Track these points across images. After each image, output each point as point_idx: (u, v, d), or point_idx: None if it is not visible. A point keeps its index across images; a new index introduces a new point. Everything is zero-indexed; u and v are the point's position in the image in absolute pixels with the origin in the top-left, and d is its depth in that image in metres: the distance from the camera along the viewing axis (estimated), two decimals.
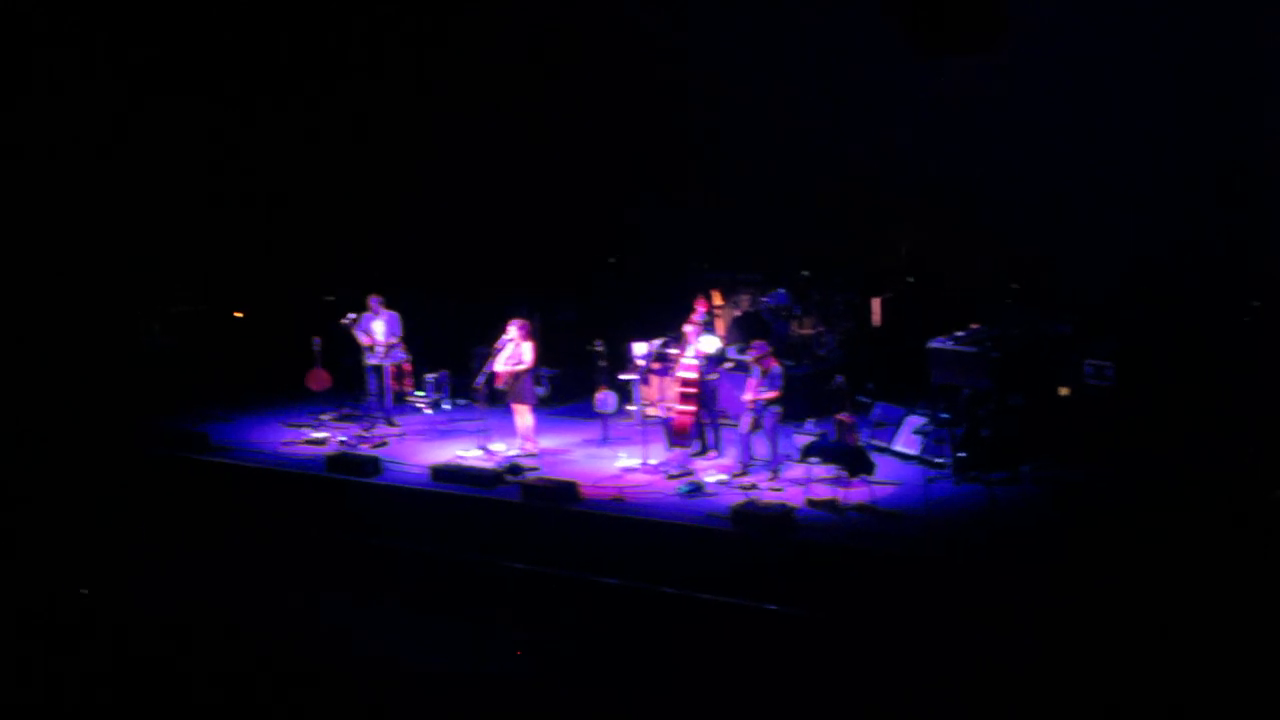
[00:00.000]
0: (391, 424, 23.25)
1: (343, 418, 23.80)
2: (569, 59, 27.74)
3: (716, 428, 21.23)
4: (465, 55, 28.22)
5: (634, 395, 22.88)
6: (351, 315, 23.08)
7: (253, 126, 28.28)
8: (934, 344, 20.83)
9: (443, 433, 23.23)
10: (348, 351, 23.52)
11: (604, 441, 22.16)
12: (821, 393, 20.98)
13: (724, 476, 19.85)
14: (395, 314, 23.28)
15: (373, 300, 23.23)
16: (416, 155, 28.57)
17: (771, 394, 19.54)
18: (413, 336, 24.14)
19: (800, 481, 19.17)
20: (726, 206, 26.59)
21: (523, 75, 28.07)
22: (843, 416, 19.36)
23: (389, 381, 23.47)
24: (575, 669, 16.65)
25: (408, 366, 24.16)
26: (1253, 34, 21.71)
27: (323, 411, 24.01)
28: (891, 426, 20.73)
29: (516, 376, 21.37)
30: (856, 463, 18.66)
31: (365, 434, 22.82)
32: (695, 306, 21.45)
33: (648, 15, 26.51)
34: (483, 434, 21.89)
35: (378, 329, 23.12)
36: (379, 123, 28.55)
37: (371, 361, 23.32)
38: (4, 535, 21.48)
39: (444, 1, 28.16)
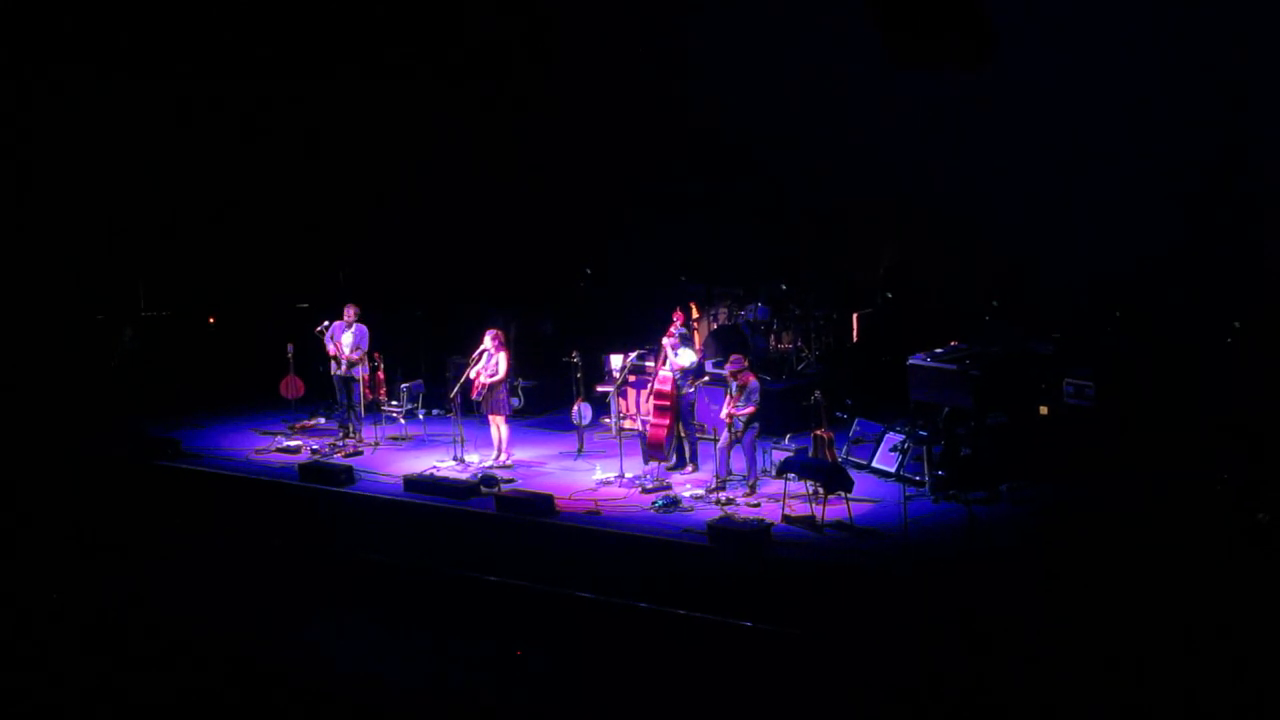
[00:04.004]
0: (350, 435, 22.98)
1: (301, 429, 23.67)
2: (549, 71, 27.65)
3: (693, 441, 21.08)
4: (444, 64, 28.06)
5: (610, 408, 22.72)
6: (326, 323, 22.82)
7: (230, 133, 28.04)
8: (914, 360, 20.75)
9: (417, 443, 23.03)
10: (321, 359, 23.25)
11: (579, 454, 22.01)
12: (800, 408, 20.86)
13: (700, 491, 19.71)
14: (365, 327, 22.86)
15: (348, 310, 22.80)
16: (396, 164, 28.40)
17: (749, 409, 19.39)
18: (388, 346, 23.95)
19: (777, 497, 19.01)
20: (705, 218, 26.52)
21: (504, 87, 27.98)
22: (821, 432, 19.25)
23: (364, 392, 23.20)
24: (548, 683, 16.48)
25: (381, 375, 23.95)
26: (1237, 53, 21.73)
27: (294, 421, 23.85)
28: (870, 443, 20.62)
29: (491, 387, 21.23)
30: (834, 479, 18.51)
31: (339, 443, 22.63)
32: (673, 319, 21.33)
33: (631, 25, 26.43)
34: (457, 445, 21.70)
35: (345, 340, 22.75)
36: (358, 132, 28.34)
37: (335, 374, 22.95)
38: None
39: (424, 12, 27.97)
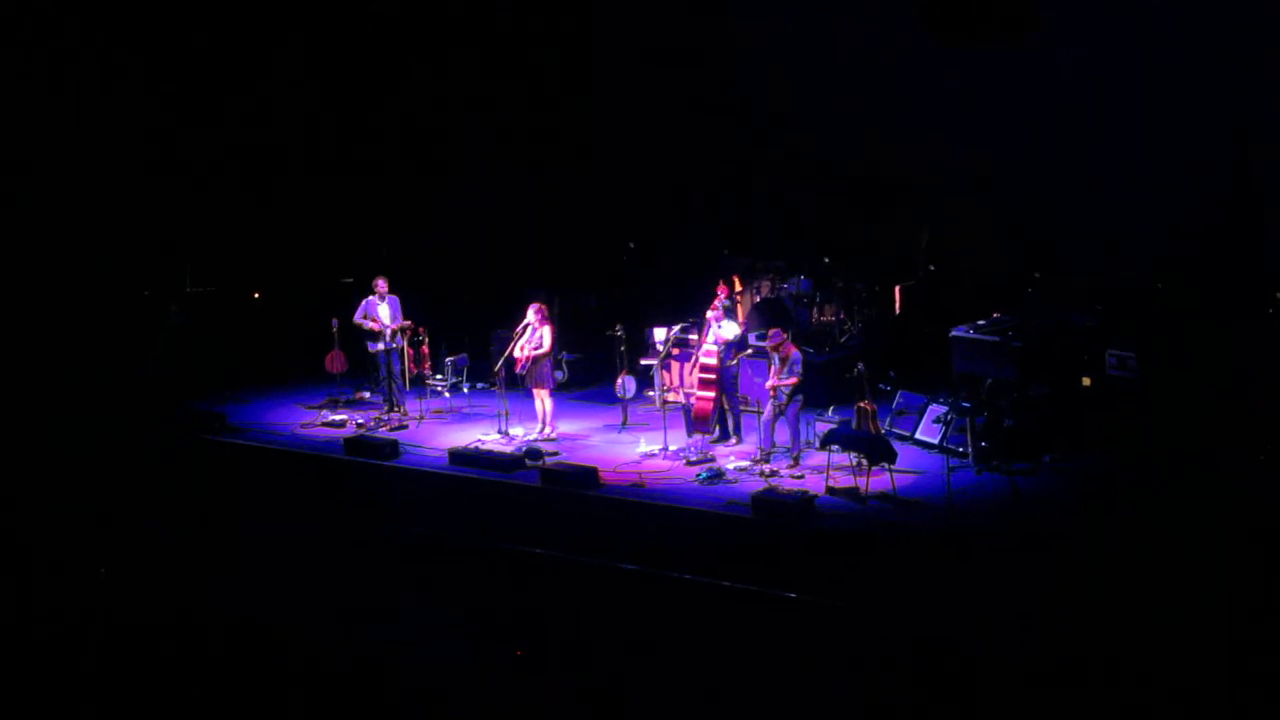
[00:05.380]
0: (395, 409, 23.06)
1: (346, 403, 23.74)
2: (593, 53, 27.75)
3: (737, 414, 21.12)
4: (492, 50, 28.17)
5: (654, 381, 22.77)
6: (361, 307, 22.86)
7: (275, 110, 28.14)
8: (956, 332, 20.79)
9: (462, 416, 23.13)
10: (366, 333, 23.27)
11: (623, 427, 22.08)
12: (843, 380, 20.91)
13: (744, 463, 19.75)
14: (396, 298, 22.92)
15: (379, 282, 22.79)
16: (444, 141, 28.45)
17: (792, 380, 19.42)
18: (432, 320, 24.03)
19: (821, 469, 19.06)
20: (748, 192, 26.54)
21: (547, 70, 28.11)
22: (864, 404, 19.24)
23: (407, 365, 23.29)
24: (594, 656, 16.52)
25: (425, 349, 24.02)
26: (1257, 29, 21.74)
27: (336, 396, 23.94)
28: (913, 415, 20.62)
29: (535, 361, 21.28)
30: (877, 450, 18.54)
31: (383, 417, 22.72)
32: (717, 292, 21.33)
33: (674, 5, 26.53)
34: (502, 418, 21.80)
35: (384, 313, 22.80)
36: (404, 110, 28.42)
37: (374, 349, 22.93)
38: (22, 519, 21.40)
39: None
